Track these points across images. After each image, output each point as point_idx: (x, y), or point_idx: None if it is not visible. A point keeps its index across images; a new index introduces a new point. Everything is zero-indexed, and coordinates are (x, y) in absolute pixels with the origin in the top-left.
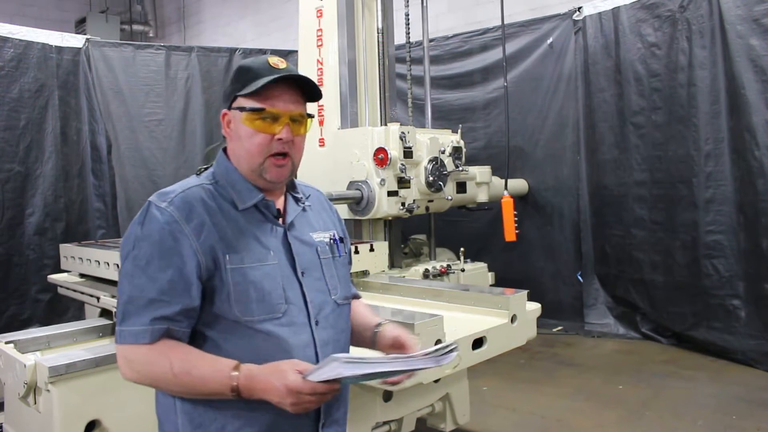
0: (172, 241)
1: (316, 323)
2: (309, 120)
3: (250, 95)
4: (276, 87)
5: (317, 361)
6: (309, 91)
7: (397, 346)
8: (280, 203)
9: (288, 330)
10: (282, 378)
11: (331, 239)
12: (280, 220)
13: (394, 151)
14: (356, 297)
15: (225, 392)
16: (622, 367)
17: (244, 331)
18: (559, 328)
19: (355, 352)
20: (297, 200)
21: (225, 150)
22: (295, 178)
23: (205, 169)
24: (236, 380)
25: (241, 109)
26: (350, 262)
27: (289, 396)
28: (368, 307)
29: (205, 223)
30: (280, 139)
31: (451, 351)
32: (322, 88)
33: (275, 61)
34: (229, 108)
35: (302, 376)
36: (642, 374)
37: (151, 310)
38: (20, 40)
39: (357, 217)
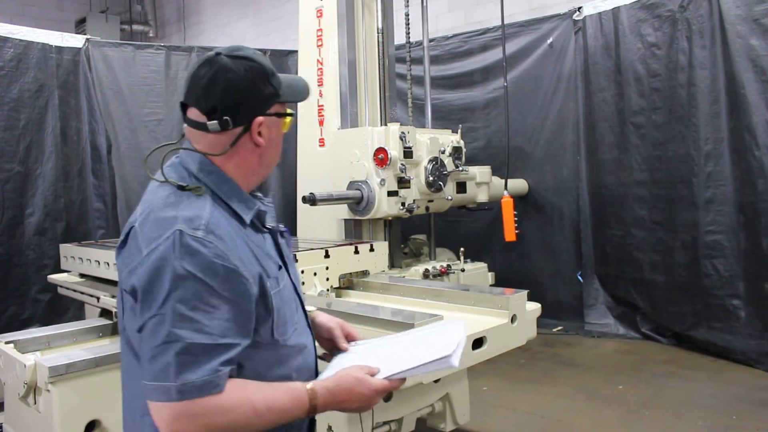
0: (225, 276)
1: (311, 320)
2: None
3: (289, 101)
4: None
5: (316, 356)
6: None
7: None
8: None
9: (303, 337)
10: (367, 385)
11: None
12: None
13: (394, 151)
14: None
15: (302, 416)
16: (622, 367)
17: (273, 347)
18: (559, 328)
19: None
20: (260, 199)
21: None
22: None
23: (192, 185)
24: (315, 400)
25: (280, 114)
26: None
27: (377, 396)
28: None
29: (244, 249)
30: None
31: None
32: (322, 88)
33: None
34: (265, 114)
35: (384, 375)
36: (642, 374)
37: (216, 355)
38: (20, 40)
39: (357, 217)
